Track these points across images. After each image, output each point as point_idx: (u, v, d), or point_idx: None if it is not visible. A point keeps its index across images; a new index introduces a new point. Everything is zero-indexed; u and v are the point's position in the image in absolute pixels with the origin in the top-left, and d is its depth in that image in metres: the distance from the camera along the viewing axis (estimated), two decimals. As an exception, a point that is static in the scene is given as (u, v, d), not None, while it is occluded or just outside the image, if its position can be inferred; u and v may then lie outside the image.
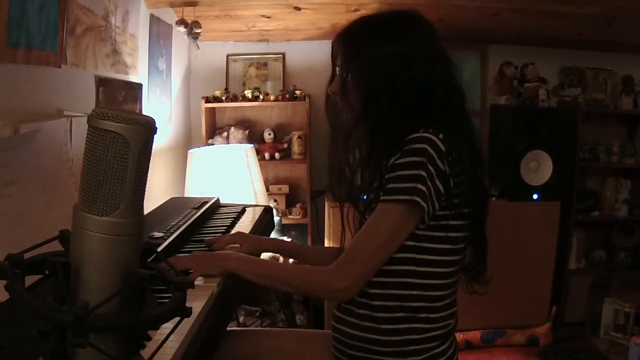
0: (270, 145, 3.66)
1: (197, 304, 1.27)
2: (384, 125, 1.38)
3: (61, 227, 0.84)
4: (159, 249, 1.60)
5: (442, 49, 1.44)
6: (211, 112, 3.69)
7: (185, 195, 3.00)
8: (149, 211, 2.26)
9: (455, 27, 3.43)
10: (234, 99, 3.57)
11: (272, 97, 3.58)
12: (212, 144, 3.51)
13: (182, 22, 2.98)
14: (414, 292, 1.37)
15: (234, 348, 1.59)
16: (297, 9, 3.20)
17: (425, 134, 1.30)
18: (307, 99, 3.56)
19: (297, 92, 3.58)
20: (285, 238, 3.49)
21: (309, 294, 2.17)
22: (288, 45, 3.83)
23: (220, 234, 1.90)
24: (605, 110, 3.81)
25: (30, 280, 0.80)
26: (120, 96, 2.35)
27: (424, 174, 1.28)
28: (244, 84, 3.80)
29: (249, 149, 3.09)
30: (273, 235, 2.93)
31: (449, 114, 1.38)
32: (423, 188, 1.28)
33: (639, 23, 3.18)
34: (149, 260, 0.88)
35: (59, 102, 1.84)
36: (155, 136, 0.80)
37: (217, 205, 2.37)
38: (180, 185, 3.21)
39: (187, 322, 1.12)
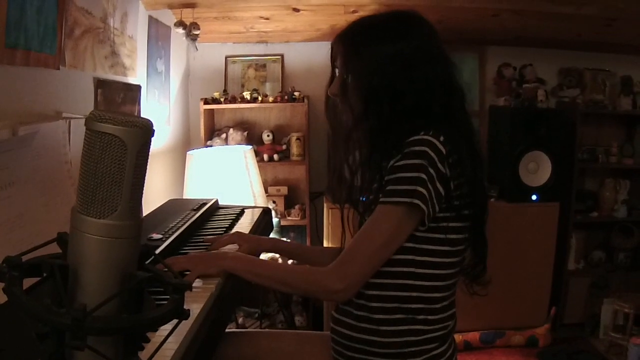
0: (269, 147, 3.66)
1: (195, 305, 1.27)
2: (384, 125, 1.38)
3: (60, 229, 0.84)
4: (158, 251, 1.60)
5: (442, 49, 1.44)
6: (210, 114, 3.69)
7: (184, 197, 3.00)
8: (147, 213, 2.27)
9: (454, 28, 3.43)
10: (233, 100, 3.57)
11: (270, 99, 3.58)
12: (211, 146, 3.51)
13: (180, 23, 2.98)
14: (413, 294, 1.36)
15: (233, 350, 1.59)
16: (296, 10, 3.20)
17: (426, 137, 1.30)
18: (305, 100, 3.56)
19: (296, 93, 3.58)
20: (284, 239, 3.49)
21: (307, 294, 2.17)
22: (287, 46, 3.83)
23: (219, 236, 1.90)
24: (604, 111, 3.81)
25: (28, 282, 0.80)
26: (118, 98, 2.35)
27: (424, 176, 1.28)
28: (242, 86, 3.80)
29: (247, 150, 3.09)
30: (272, 236, 2.93)
31: (450, 114, 1.38)
32: (423, 191, 1.28)
33: (638, 24, 3.19)
34: (147, 262, 0.88)
35: (57, 103, 1.83)
36: (153, 138, 0.80)
37: (215, 206, 2.37)
38: (179, 187, 3.21)
39: (186, 324, 1.11)
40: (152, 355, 0.81)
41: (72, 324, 0.69)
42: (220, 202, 2.46)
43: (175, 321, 0.81)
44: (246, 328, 3.24)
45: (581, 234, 3.83)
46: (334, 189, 1.55)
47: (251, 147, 3.24)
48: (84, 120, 0.76)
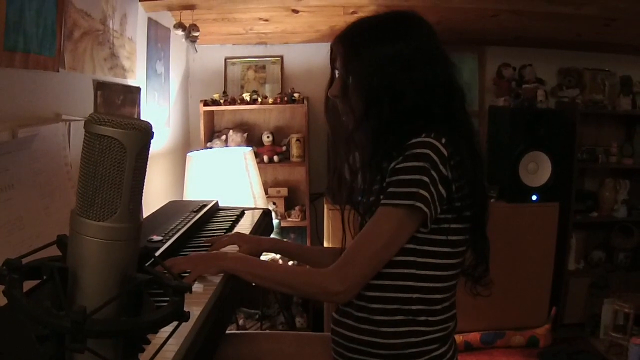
0: (268, 148, 3.66)
1: (196, 307, 1.27)
2: (385, 126, 1.38)
3: (60, 232, 0.84)
4: (158, 253, 1.60)
5: (442, 49, 1.44)
6: (209, 115, 3.69)
7: (184, 199, 3.00)
8: (147, 214, 2.27)
9: (454, 28, 3.43)
10: (233, 102, 3.57)
11: (270, 100, 3.58)
12: (211, 147, 3.51)
13: (180, 25, 2.98)
14: (414, 295, 1.36)
15: (234, 351, 1.58)
16: (295, 11, 3.20)
17: (428, 139, 1.30)
18: (305, 101, 3.56)
19: (296, 94, 3.58)
20: (284, 240, 3.49)
21: (307, 295, 2.17)
22: (286, 48, 3.83)
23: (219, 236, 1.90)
24: (603, 111, 3.81)
25: (28, 285, 0.80)
26: (118, 100, 2.35)
27: (426, 179, 1.28)
28: (242, 87, 3.80)
29: (247, 152, 3.09)
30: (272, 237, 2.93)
31: (450, 115, 1.38)
32: (425, 193, 1.27)
33: (637, 24, 3.19)
34: (146, 264, 0.88)
35: (57, 106, 1.83)
36: (152, 140, 0.80)
37: (215, 208, 2.37)
38: (179, 189, 3.21)
39: (186, 326, 1.11)
40: (153, 357, 0.81)
41: (71, 326, 0.69)
42: (221, 204, 2.45)
43: (175, 323, 0.81)
44: (246, 329, 3.24)
45: (581, 234, 3.83)
46: (334, 190, 1.55)
47: (251, 148, 3.24)
48: (83, 122, 0.76)
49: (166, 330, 0.83)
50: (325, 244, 3.45)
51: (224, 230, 2.02)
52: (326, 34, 3.56)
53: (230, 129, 3.66)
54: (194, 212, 2.17)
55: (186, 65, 3.75)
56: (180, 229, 1.89)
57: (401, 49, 1.39)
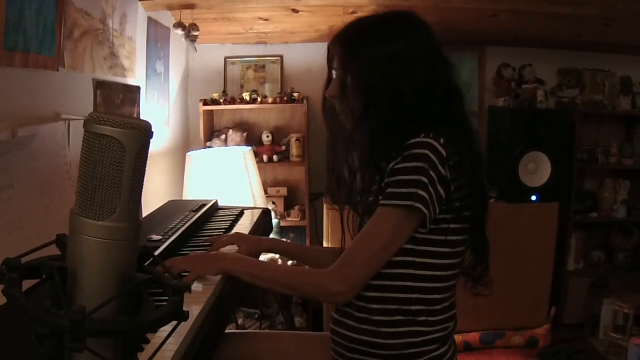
0: (268, 148, 3.66)
1: (195, 306, 1.27)
2: (384, 126, 1.37)
3: (59, 231, 0.84)
4: (157, 252, 1.60)
5: (440, 49, 1.44)
6: (209, 115, 3.69)
7: (184, 198, 3.00)
8: (147, 214, 2.27)
9: (454, 28, 3.43)
10: (232, 101, 3.57)
11: (270, 100, 3.58)
12: (210, 147, 3.51)
13: (179, 24, 2.98)
14: (413, 296, 1.36)
15: (233, 350, 1.58)
16: (295, 11, 3.20)
17: (426, 139, 1.30)
18: (305, 101, 3.56)
19: (295, 94, 3.58)
20: (283, 239, 3.49)
21: (307, 296, 2.17)
22: (286, 47, 3.83)
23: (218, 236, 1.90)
24: (603, 111, 3.81)
25: (27, 284, 0.80)
26: (118, 99, 2.35)
27: (425, 180, 1.28)
28: (241, 87, 3.80)
29: (247, 151, 3.09)
30: (271, 237, 2.93)
31: (449, 115, 1.38)
32: (424, 194, 1.27)
33: (637, 24, 3.19)
34: (146, 263, 0.88)
35: (56, 105, 1.83)
36: (152, 140, 0.80)
37: (215, 207, 2.37)
38: (179, 188, 3.21)
39: (186, 325, 1.11)
40: (152, 356, 0.81)
41: (71, 326, 0.69)
42: (220, 203, 2.46)
43: (174, 322, 0.81)
44: (246, 329, 3.24)
45: (581, 234, 3.83)
46: (333, 190, 1.55)
47: (250, 148, 3.24)
48: (83, 121, 0.76)
49: (165, 329, 0.83)
50: (325, 244, 3.45)
51: (224, 230, 2.02)
52: (326, 34, 3.56)
53: (229, 128, 3.66)
54: (193, 211, 2.17)
55: (186, 64, 3.75)
56: (179, 228, 1.90)
57: (400, 49, 1.38)
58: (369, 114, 1.39)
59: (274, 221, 3.21)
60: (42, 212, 1.60)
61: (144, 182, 0.81)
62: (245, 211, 2.36)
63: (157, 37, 2.94)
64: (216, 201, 2.42)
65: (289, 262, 3.05)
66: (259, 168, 3.18)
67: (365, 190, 1.41)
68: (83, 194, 0.76)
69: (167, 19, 3.09)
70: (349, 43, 1.43)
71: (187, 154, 3.08)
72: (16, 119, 1.57)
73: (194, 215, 2.11)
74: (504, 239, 3.30)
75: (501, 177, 3.55)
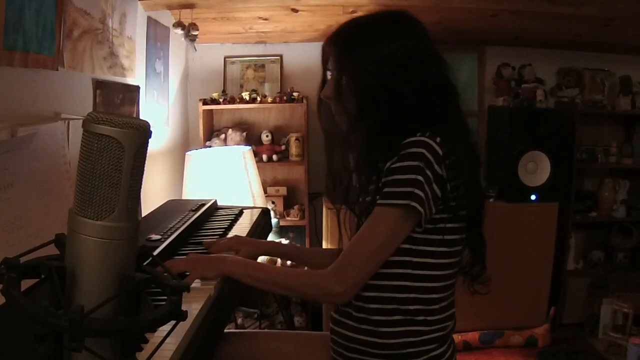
0: (267, 147, 3.66)
1: (194, 306, 1.27)
2: (380, 126, 1.37)
3: (59, 230, 0.84)
4: (157, 251, 1.60)
5: (435, 49, 1.43)
6: (209, 114, 3.69)
7: (183, 198, 3.00)
8: (146, 213, 2.27)
9: (453, 28, 3.43)
10: (232, 101, 3.57)
11: (269, 99, 3.58)
12: (210, 146, 3.51)
13: (179, 24, 2.98)
14: (411, 295, 1.36)
15: (232, 350, 1.59)
16: (295, 10, 3.20)
17: (422, 138, 1.30)
18: (304, 100, 3.56)
19: (295, 94, 3.58)
20: (283, 240, 3.49)
21: (306, 297, 2.17)
22: (285, 47, 3.83)
23: (217, 236, 1.90)
24: (603, 111, 3.81)
25: (26, 284, 0.80)
26: (117, 99, 2.35)
27: (421, 178, 1.28)
28: (241, 86, 3.80)
29: (246, 151, 3.09)
30: (271, 237, 2.93)
31: (446, 114, 1.38)
32: (420, 193, 1.27)
33: (637, 24, 3.19)
34: (144, 263, 0.88)
35: (56, 105, 1.84)
36: (151, 139, 0.80)
37: (214, 207, 2.37)
38: (178, 188, 3.21)
39: (185, 325, 1.11)
40: (151, 356, 0.81)
41: (69, 325, 0.69)
42: (219, 203, 2.45)
43: (173, 322, 0.81)
44: (245, 328, 3.24)
45: (580, 234, 3.83)
46: (330, 191, 1.55)
47: (250, 147, 3.24)
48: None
49: (165, 329, 0.83)
50: (324, 244, 3.45)
51: (223, 230, 2.02)
52: (325, 33, 3.51)
53: (229, 128, 3.66)
54: (193, 211, 2.17)
55: (185, 64, 3.75)
56: (178, 227, 1.90)
57: (395, 49, 1.38)
58: (365, 114, 1.39)
59: (274, 221, 3.21)
60: (42, 211, 1.60)
61: (144, 182, 0.81)
62: (244, 211, 2.36)
63: (156, 36, 2.94)
64: (215, 201, 2.42)
65: (288, 263, 3.05)
66: (258, 168, 3.18)
67: (363, 191, 1.41)
68: (82, 194, 0.76)
69: (167, 18, 3.09)
70: (344, 43, 1.43)
71: (187, 153, 3.08)
72: (16, 118, 1.57)
73: (194, 214, 2.11)
74: (503, 238, 3.30)
75: (501, 177, 3.55)
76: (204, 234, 1.96)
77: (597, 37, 3.53)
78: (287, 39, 3.76)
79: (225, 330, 1.65)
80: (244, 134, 3.62)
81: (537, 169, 3.50)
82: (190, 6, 2.96)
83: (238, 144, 3.52)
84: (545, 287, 3.58)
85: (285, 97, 3.59)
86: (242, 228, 2.07)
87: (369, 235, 1.33)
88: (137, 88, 2.60)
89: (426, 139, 1.30)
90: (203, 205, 2.27)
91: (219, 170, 2.94)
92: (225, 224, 2.09)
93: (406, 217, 1.30)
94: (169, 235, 1.79)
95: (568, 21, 3.23)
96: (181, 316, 0.80)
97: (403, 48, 1.38)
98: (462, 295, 1.51)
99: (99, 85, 2.14)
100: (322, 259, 1.69)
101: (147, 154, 0.81)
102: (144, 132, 0.77)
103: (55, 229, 0.86)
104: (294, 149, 3.66)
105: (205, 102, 3.54)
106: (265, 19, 3.36)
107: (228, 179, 2.94)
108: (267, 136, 3.67)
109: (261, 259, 2.02)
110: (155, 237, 1.77)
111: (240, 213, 2.31)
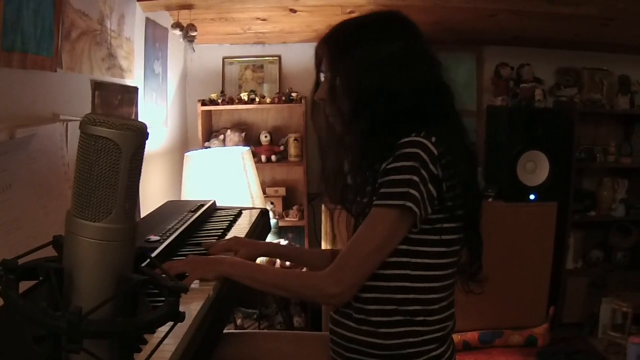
0: (266, 148, 3.66)
1: (194, 306, 1.27)
2: (375, 127, 1.37)
3: (58, 232, 0.84)
4: (155, 253, 1.60)
5: (429, 49, 1.43)
6: (207, 115, 3.69)
7: (182, 199, 3.00)
8: (145, 214, 2.27)
9: (452, 28, 3.43)
10: (230, 101, 3.57)
11: (268, 100, 3.58)
12: (209, 147, 3.51)
13: (177, 25, 2.98)
14: (410, 296, 1.36)
15: (232, 350, 1.59)
16: (293, 11, 3.20)
17: (417, 138, 1.30)
18: (303, 101, 3.56)
19: (293, 94, 3.58)
20: (282, 241, 3.49)
21: (304, 298, 2.17)
22: (284, 47, 3.83)
23: (216, 237, 1.90)
24: (601, 110, 3.81)
25: (24, 285, 0.80)
26: (116, 100, 2.35)
27: (416, 178, 1.28)
28: (240, 87, 3.80)
29: (245, 151, 3.09)
30: (270, 238, 2.93)
31: (441, 114, 1.38)
32: (415, 193, 1.27)
33: (636, 24, 3.19)
34: (142, 265, 0.88)
35: (54, 106, 1.83)
36: (150, 140, 0.80)
37: (213, 208, 2.37)
38: (177, 189, 3.21)
39: (184, 325, 1.11)
40: (149, 357, 0.81)
41: (67, 327, 0.69)
42: (218, 204, 2.45)
43: (171, 323, 0.81)
44: (244, 329, 3.24)
45: (579, 234, 3.83)
46: (327, 193, 1.55)
47: (249, 148, 3.24)
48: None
49: (164, 329, 0.83)
50: (323, 244, 3.45)
51: (222, 230, 2.01)
52: (324, 34, 3.55)
53: (228, 128, 3.66)
54: (192, 211, 2.17)
55: (184, 65, 3.75)
56: (177, 228, 1.89)
57: (391, 49, 1.38)
58: (359, 115, 1.39)
59: (273, 221, 3.21)
60: (40, 212, 1.60)
61: (142, 183, 0.81)
62: (243, 211, 2.36)
63: (155, 37, 2.94)
64: (214, 202, 2.42)
65: (287, 264, 3.04)
66: (257, 168, 3.18)
67: (359, 192, 1.41)
68: (79, 195, 0.76)
69: (165, 19, 3.09)
70: (337, 45, 1.43)
71: (186, 154, 3.08)
72: (14, 119, 1.56)
73: (192, 215, 2.11)
74: (502, 238, 3.30)
75: (500, 177, 3.55)
76: (203, 235, 1.96)
77: (596, 37, 3.54)
78: (285, 39, 3.76)
79: (225, 331, 1.65)
80: (243, 134, 3.62)
81: (535, 169, 3.50)
82: (189, 7, 2.96)
83: (237, 145, 3.52)
84: (545, 286, 3.58)
85: (283, 98, 3.59)
86: (241, 229, 2.07)
87: (366, 236, 1.33)
88: (136, 89, 2.60)
89: (421, 139, 1.30)
90: (202, 206, 2.27)
91: (217, 171, 2.94)
92: (224, 225, 2.08)
93: (402, 218, 1.30)
94: (168, 236, 1.79)
95: (567, 21, 3.23)
96: (179, 317, 0.81)
97: (395, 48, 1.38)
98: (462, 295, 1.51)
99: (98, 87, 2.14)
100: (321, 260, 1.69)
101: (146, 155, 0.81)
102: (140, 133, 0.77)
103: (53, 230, 0.86)
104: (292, 150, 3.66)
105: (203, 103, 3.54)
106: (264, 20, 3.36)
107: (227, 179, 2.94)
108: (265, 137, 3.67)
109: (260, 260, 2.02)
110: (154, 238, 1.77)
111: (239, 214, 2.31)
